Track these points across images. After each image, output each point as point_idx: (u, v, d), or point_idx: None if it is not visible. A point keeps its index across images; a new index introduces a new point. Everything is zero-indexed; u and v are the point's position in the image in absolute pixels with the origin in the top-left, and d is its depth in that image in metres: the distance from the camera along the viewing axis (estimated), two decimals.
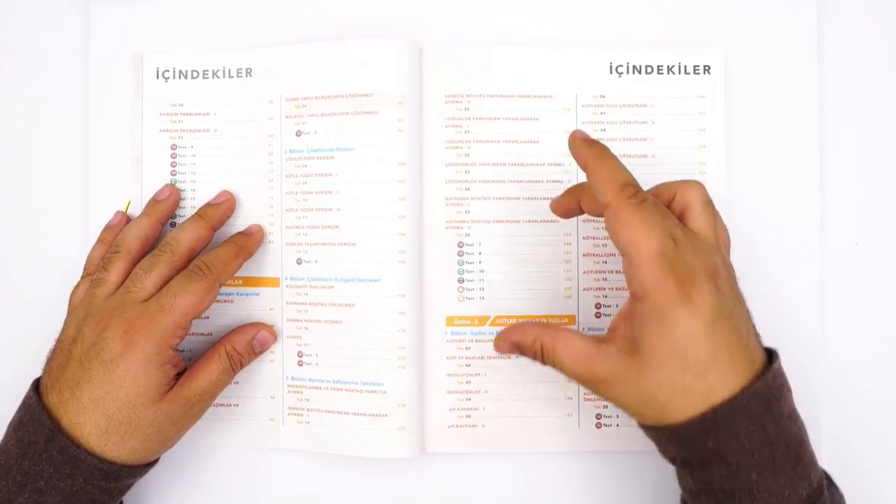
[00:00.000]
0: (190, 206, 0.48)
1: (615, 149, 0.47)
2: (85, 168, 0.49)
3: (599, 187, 0.36)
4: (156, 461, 0.43)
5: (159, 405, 0.41)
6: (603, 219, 0.36)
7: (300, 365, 0.47)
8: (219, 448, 0.48)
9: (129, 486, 0.42)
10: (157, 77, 0.49)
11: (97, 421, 0.39)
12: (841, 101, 0.48)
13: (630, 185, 0.36)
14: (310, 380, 0.47)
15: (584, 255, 0.47)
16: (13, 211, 0.50)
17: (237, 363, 0.45)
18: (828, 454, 0.46)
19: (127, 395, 0.40)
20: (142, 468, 0.42)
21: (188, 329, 0.42)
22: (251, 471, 0.48)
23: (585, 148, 0.38)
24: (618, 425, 0.47)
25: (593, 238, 0.47)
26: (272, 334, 0.47)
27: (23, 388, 0.42)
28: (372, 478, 0.48)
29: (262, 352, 0.47)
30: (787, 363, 0.44)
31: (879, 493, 0.46)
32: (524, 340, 0.39)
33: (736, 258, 0.47)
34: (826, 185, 0.48)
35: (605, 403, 0.46)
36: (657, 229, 0.35)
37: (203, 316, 0.47)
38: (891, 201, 0.48)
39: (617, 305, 0.47)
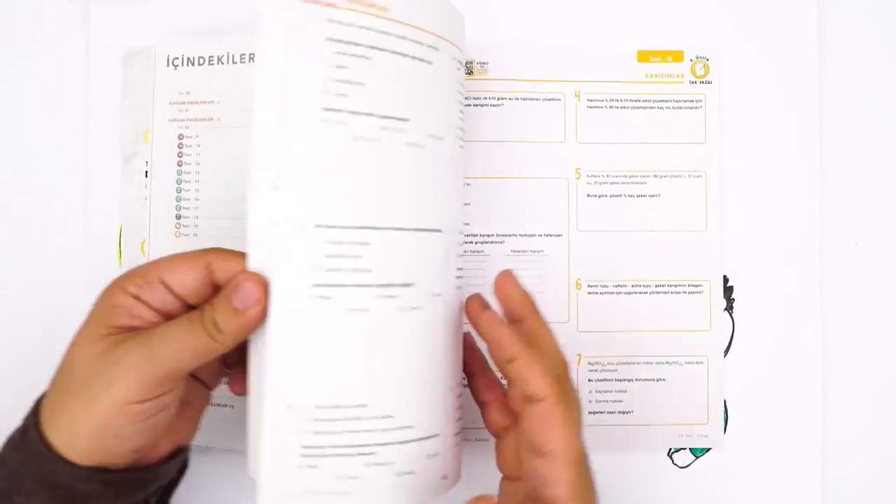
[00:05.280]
0: (193, 199, 0.47)
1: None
2: (85, 165, 0.49)
3: (537, 379, 0.34)
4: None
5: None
6: None
7: None
8: (214, 450, 0.47)
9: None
10: (168, 65, 0.47)
11: None
12: (841, 100, 0.48)
13: (569, 378, 0.35)
14: None
15: None
16: (12, 210, 0.49)
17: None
18: (829, 456, 0.47)
19: None
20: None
21: None
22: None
23: (514, 338, 0.35)
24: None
25: None
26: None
27: (18, 391, 0.42)
28: None
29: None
30: (786, 363, 0.45)
31: (880, 495, 0.47)
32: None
33: (736, 258, 0.48)
34: (826, 185, 0.48)
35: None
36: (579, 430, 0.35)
37: None
38: (891, 201, 0.48)
39: None
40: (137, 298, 0.34)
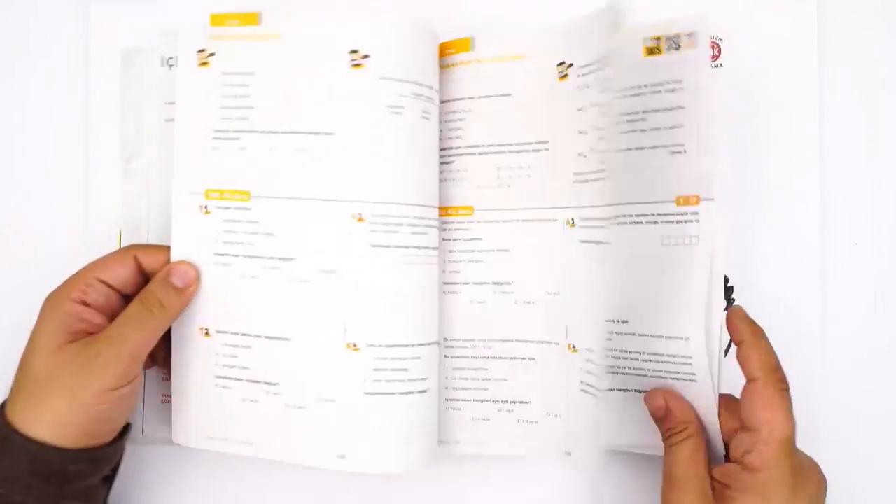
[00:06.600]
0: None
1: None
2: (85, 164, 0.49)
3: (753, 363, 0.39)
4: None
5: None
6: None
7: None
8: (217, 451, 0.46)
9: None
10: (162, 65, 0.47)
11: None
12: (841, 100, 0.48)
13: (781, 371, 0.39)
14: None
15: None
16: (12, 211, 0.49)
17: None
18: (828, 455, 0.44)
19: None
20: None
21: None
22: (253, 473, 0.48)
23: (744, 325, 0.40)
24: None
25: None
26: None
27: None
28: (373, 481, 0.47)
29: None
30: (787, 364, 0.43)
31: (880, 495, 0.47)
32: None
33: (736, 258, 0.47)
34: (826, 185, 0.48)
35: None
36: (792, 418, 0.38)
37: None
38: (891, 201, 0.48)
39: None
40: (83, 303, 0.40)
